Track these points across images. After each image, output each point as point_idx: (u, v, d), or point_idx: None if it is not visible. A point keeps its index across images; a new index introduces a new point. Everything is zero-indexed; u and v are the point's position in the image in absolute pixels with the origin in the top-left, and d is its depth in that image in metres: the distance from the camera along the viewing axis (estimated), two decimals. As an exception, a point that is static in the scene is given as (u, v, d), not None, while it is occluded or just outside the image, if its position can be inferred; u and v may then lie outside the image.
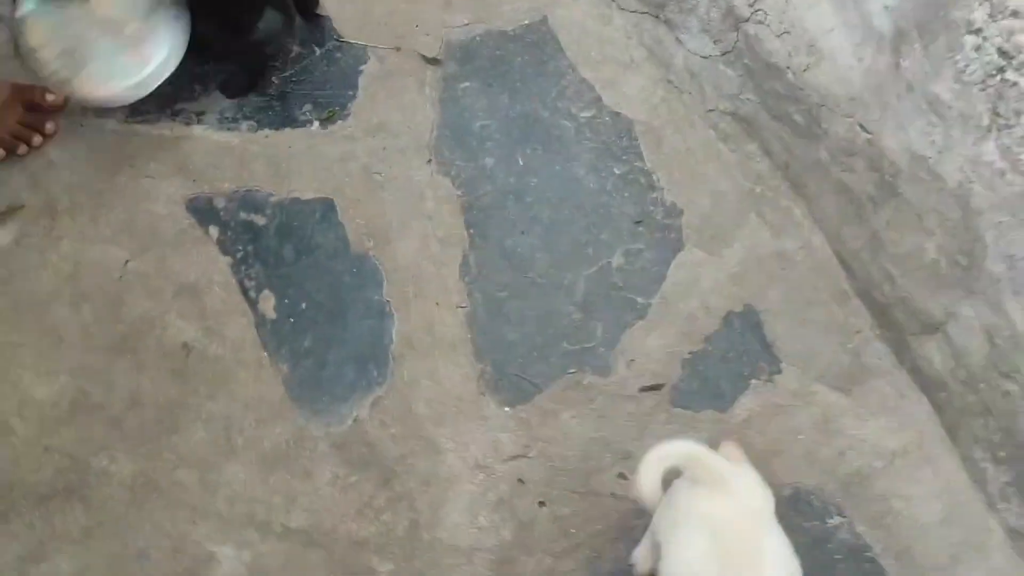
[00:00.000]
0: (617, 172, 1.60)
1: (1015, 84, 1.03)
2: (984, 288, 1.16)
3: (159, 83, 1.47)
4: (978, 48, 1.06)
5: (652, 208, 1.57)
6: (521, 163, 1.60)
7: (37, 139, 1.54)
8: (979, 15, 1.04)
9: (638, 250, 1.54)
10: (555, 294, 1.51)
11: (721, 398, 1.43)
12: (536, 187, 1.58)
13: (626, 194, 1.58)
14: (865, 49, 1.24)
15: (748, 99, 1.50)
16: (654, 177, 1.59)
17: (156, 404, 1.41)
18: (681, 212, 1.57)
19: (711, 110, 1.60)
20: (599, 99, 1.66)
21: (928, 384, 1.34)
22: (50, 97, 1.55)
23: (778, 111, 1.44)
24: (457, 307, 1.49)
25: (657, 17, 1.65)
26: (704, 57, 1.56)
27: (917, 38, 1.14)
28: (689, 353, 1.46)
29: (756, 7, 1.38)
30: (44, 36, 1.39)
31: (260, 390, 1.42)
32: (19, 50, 1.40)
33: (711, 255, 1.52)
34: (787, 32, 1.35)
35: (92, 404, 1.40)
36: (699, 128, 1.62)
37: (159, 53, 1.44)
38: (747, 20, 1.41)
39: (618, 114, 1.64)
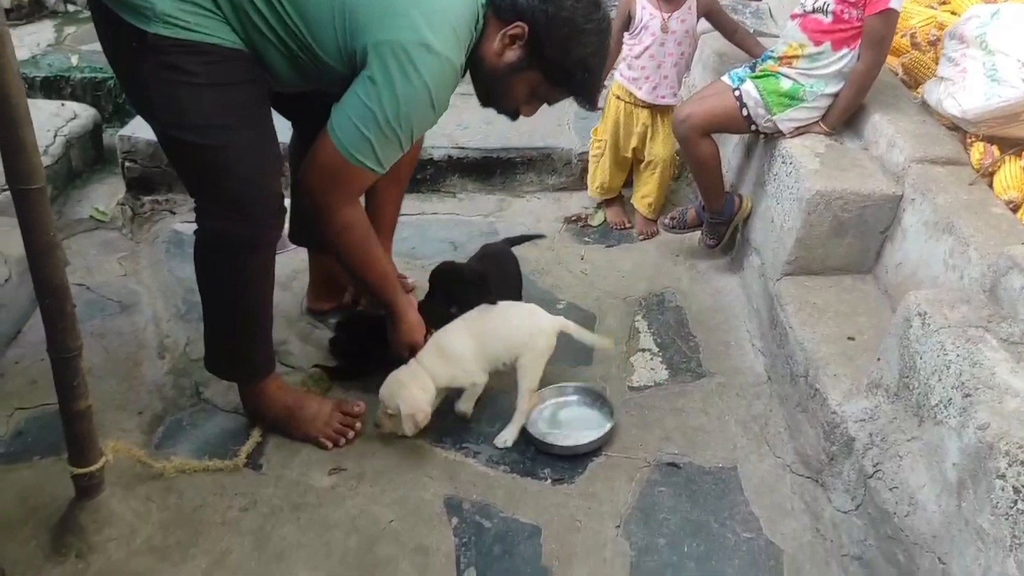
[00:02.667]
0: (759, 581, 2.02)
1: None
2: None
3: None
4: (1003, 488, 1.51)
5: (781, 615, 1.94)
6: (686, 550, 2.08)
7: (351, 434, 2.31)
8: (1003, 464, 1.51)
9: (760, 640, 1.89)
10: (682, 646, 1.87)
11: None
12: (692, 569, 2.03)
13: (762, 598, 1.98)
14: (942, 498, 1.69)
15: (870, 544, 1.92)
16: (789, 594, 1.99)
17: (369, 612, 1.91)
18: (804, 625, 1.92)
19: (844, 555, 2.02)
20: (760, 529, 2.14)
21: None
22: (356, 408, 2.34)
23: (888, 553, 1.85)
24: (603, 629, 1.90)
25: (816, 481, 2.18)
26: (844, 512, 2.03)
27: (971, 484, 1.60)
28: None
29: (877, 467, 1.89)
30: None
31: (441, 631, 1.89)
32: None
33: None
34: (896, 487, 1.83)
35: (329, 597, 1.94)
36: (834, 568, 2.03)
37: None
38: (871, 476, 1.91)
39: (772, 543, 2.10)
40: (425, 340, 2.32)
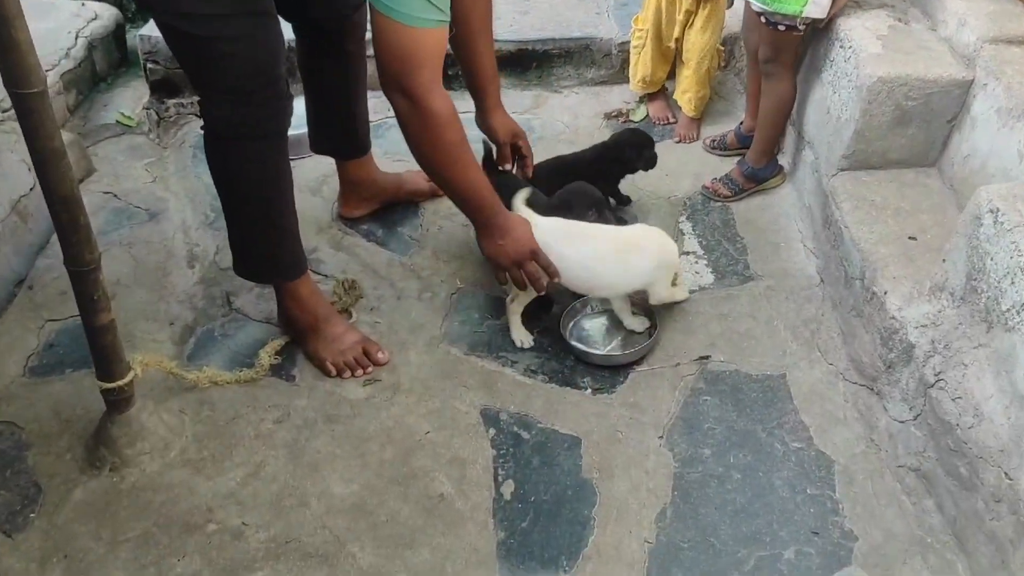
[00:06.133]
0: (809, 492, 1.93)
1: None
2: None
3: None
4: (1081, 401, 1.38)
5: (831, 528, 1.86)
6: (732, 460, 2.00)
7: (359, 373, 2.18)
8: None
9: (809, 554, 1.82)
10: (727, 561, 1.81)
11: None
12: (738, 480, 1.96)
13: (812, 509, 1.90)
14: (1011, 409, 1.58)
15: (929, 456, 1.82)
16: (840, 506, 1.90)
17: (406, 525, 1.87)
18: (856, 538, 1.84)
19: (900, 466, 1.92)
20: (810, 438, 2.05)
21: None
22: (380, 356, 2.22)
23: (949, 465, 1.75)
24: (645, 541, 1.84)
25: (871, 389, 2.07)
26: (901, 422, 1.93)
27: (1044, 397, 1.48)
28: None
29: (940, 375, 1.78)
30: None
31: (478, 543, 1.84)
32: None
33: (871, 578, 1.76)
34: (960, 397, 1.71)
35: (365, 509, 1.90)
36: (888, 480, 1.94)
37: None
38: (932, 385, 1.79)
39: (823, 453, 2.01)
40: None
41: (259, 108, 1.90)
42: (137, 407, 1.98)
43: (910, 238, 2.13)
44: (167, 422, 2.04)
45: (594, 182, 2.50)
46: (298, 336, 2.27)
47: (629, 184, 2.83)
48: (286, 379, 2.21)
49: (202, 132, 3.04)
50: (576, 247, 2.18)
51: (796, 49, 2.49)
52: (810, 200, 2.56)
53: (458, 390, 2.18)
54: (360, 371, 2.21)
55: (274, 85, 1.91)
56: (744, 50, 2.75)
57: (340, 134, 2.52)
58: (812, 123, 2.58)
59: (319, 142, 2.57)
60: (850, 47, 2.32)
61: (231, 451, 2.01)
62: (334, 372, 2.20)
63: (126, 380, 1.91)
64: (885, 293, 2.00)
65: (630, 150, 2.60)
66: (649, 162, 2.62)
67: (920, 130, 2.29)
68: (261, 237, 2.12)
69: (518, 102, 3.28)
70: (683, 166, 2.96)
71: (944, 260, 1.85)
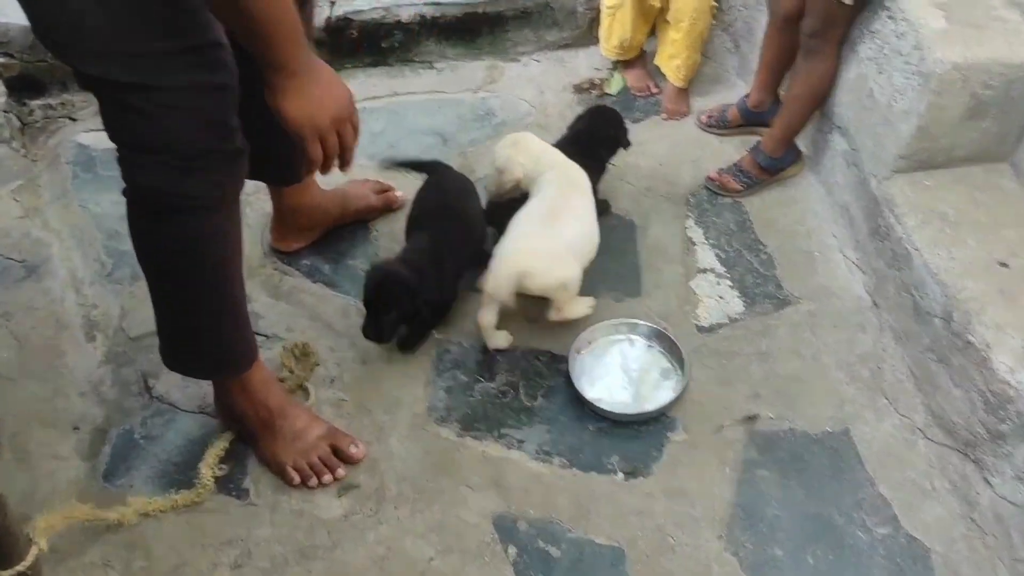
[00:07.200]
0: (909, 598, 1.59)
1: None
2: None
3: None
4: None
5: (944, 647, 1.53)
6: (811, 563, 1.64)
7: (327, 478, 1.73)
8: None
9: None
10: None
11: None
12: (823, 591, 1.60)
13: (916, 623, 1.56)
14: None
15: (1064, 557, 1.49)
16: (949, 614, 1.57)
17: None
18: (975, 657, 1.51)
19: (1018, 560, 1.58)
20: (895, 518, 1.69)
21: None
22: (354, 450, 1.76)
23: (1100, 576, 1.41)
24: None
25: (965, 454, 1.71)
26: (1015, 504, 1.58)
27: None
28: None
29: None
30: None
31: None
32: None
33: None
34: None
35: None
36: (1003, 576, 1.61)
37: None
38: (1073, 480, 1.44)
39: (914, 539, 1.67)
40: None
41: (207, 173, 1.38)
42: (46, 584, 1.47)
43: (1001, 264, 1.75)
44: (88, 591, 1.54)
45: None
46: (246, 434, 1.78)
47: (617, 180, 2.37)
48: (238, 496, 1.73)
49: (80, 142, 2.50)
50: (558, 229, 1.90)
51: (849, 23, 2.03)
52: (847, 199, 2.15)
53: (460, 491, 1.74)
54: (329, 475, 1.74)
55: (228, 140, 1.38)
56: (767, 10, 2.26)
57: (276, 157, 1.95)
58: (845, 105, 2.14)
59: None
60: (903, 19, 1.88)
61: (180, 620, 1.54)
62: (298, 480, 1.73)
63: (28, 563, 1.40)
64: (988, 346, 1.62)
65: (611, 127, 2.21)
66: (628, 136, 2.26)
67: (995, 122, 1.88)
68: (205, 326, 1.61)
69: (468, 77, 2.74)
70: (678, 150, 2.50)
71: (1072, 313, 1.48)
